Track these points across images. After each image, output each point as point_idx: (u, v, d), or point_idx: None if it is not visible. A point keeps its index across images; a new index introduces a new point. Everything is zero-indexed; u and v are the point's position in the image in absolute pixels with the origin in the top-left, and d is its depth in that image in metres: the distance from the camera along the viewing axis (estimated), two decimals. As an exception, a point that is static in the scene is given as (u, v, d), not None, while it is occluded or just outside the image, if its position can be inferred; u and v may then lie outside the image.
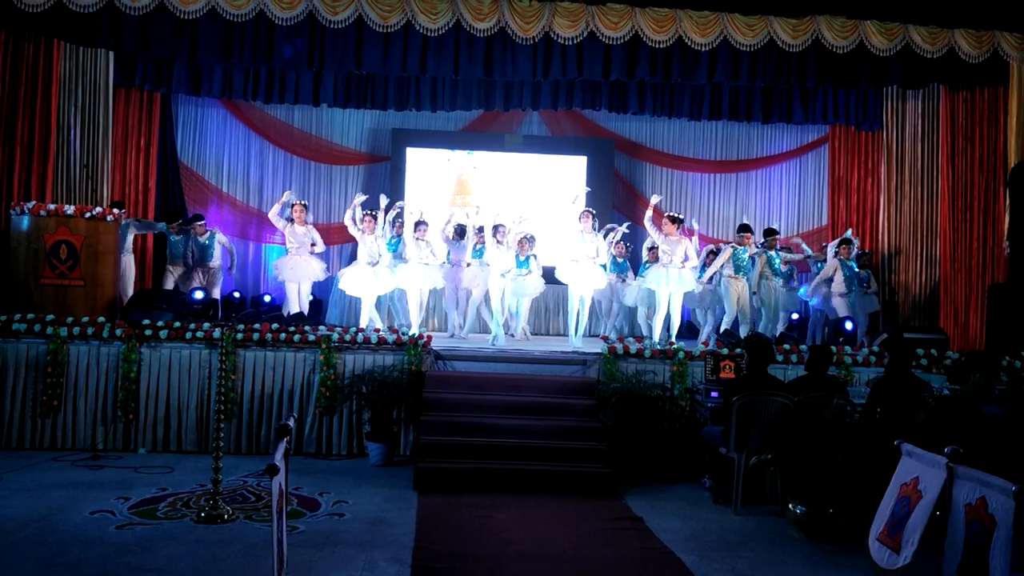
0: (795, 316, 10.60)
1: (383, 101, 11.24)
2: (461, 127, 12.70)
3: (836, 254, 10.14)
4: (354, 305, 10.02)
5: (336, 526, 5.51)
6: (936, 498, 3.90)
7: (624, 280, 10.46)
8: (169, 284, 10.28)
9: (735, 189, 13.09)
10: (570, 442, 7.03)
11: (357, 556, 4.88)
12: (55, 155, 9.21)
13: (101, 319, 7.78)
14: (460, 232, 9.74)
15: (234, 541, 5.07)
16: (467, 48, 9.25)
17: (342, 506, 5.96)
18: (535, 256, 9.72)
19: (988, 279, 9.83)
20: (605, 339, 9.00)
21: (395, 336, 8.01)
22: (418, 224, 9.47)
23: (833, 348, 7.97)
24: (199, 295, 9.48)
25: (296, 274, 9.53)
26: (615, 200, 12.59)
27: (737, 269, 9.46)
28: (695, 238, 9.99)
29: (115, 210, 8.70)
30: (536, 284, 9.77)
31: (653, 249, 9.94)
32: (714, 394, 7.03)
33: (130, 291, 9.69)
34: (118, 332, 7.61)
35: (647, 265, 9.90)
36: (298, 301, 9.48)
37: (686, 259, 9.05)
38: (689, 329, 10.86)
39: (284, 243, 9.94)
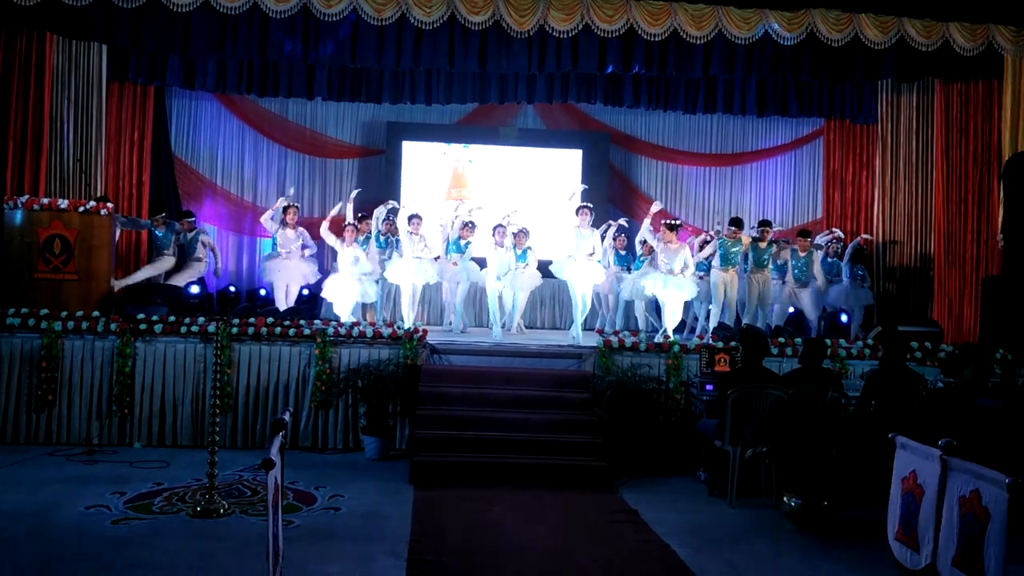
0: (791, 309, 10.61)
1: (377, 94, 11.21)
2: (456, 120, 12.67)
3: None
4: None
5: (332, 520, 5.51)
6: (936, 491, 3.91)
7: (628, 271, 10.39)
8: (158, 278, 10.18)
9: (730, 182, 13.08)
10: (566, 435, 7.04)
11: (353, 550, 4.89)
12: (48, 149, 9.18)
13: (95, 313, 7.76)
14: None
15: (230, 535, 5.07)
16: (462, 41, 9.24)
17: (338, 500, 5.96)
18: (531, 249, 9.72)
19: (982, 272, 9.86)
20: (600, 332, 9.00)
21: (391, 330, 8.01)
22: (411, 218, 9.46)
23: (828, 341, 7.98)
24: (195, 289, 9.45)
25: (285, 276, 9.50)
26: (610, 193, 12.58)
27: (725, 261, 9.44)
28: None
29: (108, 204, 8.66)
30: (533, 278, 9.77)
31: (646, 243, 9.94)
32: (709, 387, 7.04)
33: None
34: (113, 326, 7.59)
35: (642, 259, 9.89)
36: (285, 301, 9.44)
37: (685, 267, 8.99)
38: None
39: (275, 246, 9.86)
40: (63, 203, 8.28)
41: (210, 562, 4.65)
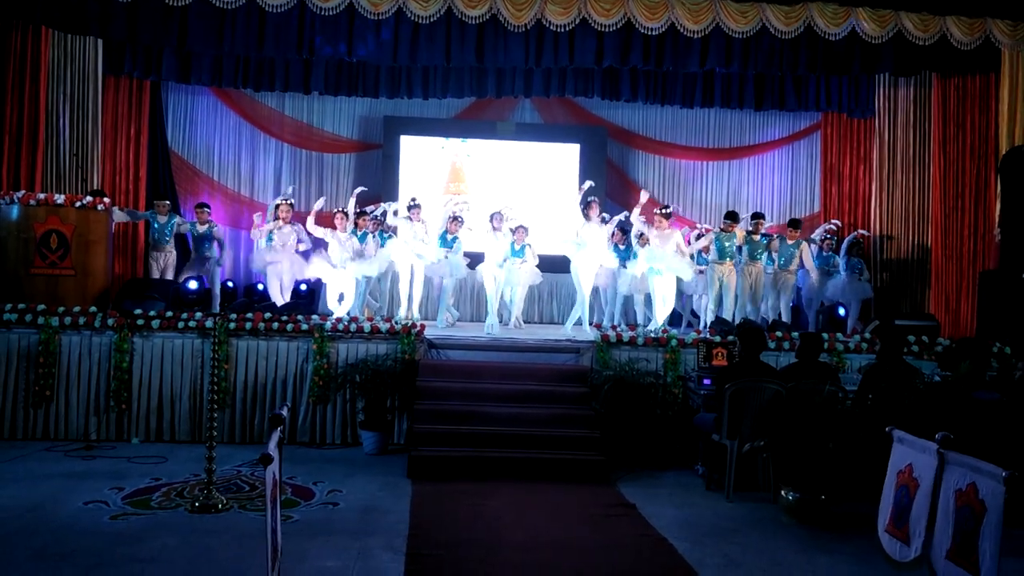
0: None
1: (374, 89, 11.20)
2: (453, 114, 12.64)
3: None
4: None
5: (330, 515, 5.52)
6: (932, 485, 3.92)
7: (624, 266, 10.40)
8: (154, 272, 10.17)
9: (727, 176, 13.08)
10: (563, 430, 7.05)
11: (351, 544, 4.89)
12: (44, 144, 9.16)
13: (93, 309, 7.75)
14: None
15: (228, 531, 5.07)
16: (459, 35, 9.22)
17: (336, 495, 5.97)
18: (530, 245, 9.72)
19: (979, 266, 9.87)
20: (598, 327, 9.01)
21: (388, 325, 8.00)
22: (411, 207, 9.47)
23: (825, 335, 8.00)
24: (193, 284, 9.43)
25: (278, 269, 9.48)
26: (608, 188, 12.56)
27: (721, 255, 9.46)
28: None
29: (105, 199, 8.65)
30: (532, 273, 9.77)
31: (643, 235, 9.94)
32: (707, 381, 7.05)
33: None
34: (110, 322, 7.58)
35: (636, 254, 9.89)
36: (280, 295, 9.43)
37: (679, 251, 9.01)
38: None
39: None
40: (59, 198, 8.27)
41: (209, 557, 4.65)
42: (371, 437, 7.36)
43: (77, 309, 7.67)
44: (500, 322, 9.53)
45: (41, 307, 7.61)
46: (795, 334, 8.17)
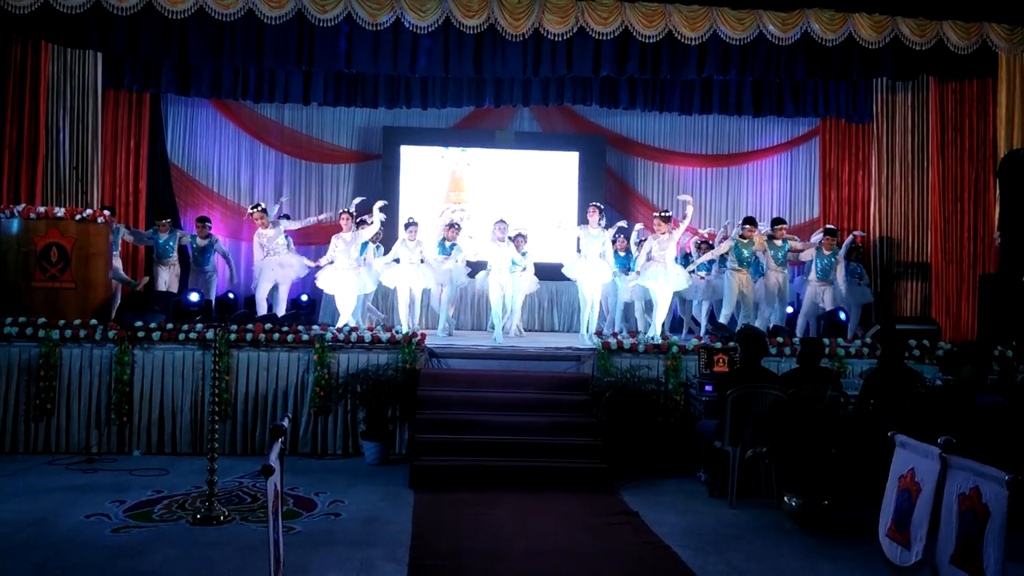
0: (789, 309, 10.61)
1: (373, 99, 11.22)
2: (452, 124, 12.67)
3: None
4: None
5: (332, 526, 5.51)
6: (934, 489, 3.91)
7: (627, 272, 10.38)
8: (160, 286, 10.22)
9: (726, 183, 13.09)
10: (565, 438, 7.04)
11: (354, 555, 4.88)
12: (44, 157, 9.18)
13: (93, 321, 7.75)
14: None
15: (230, 543, 5.06)
16: (457, 45, 9.26)
17: (338, 505, 5.95)
18: (526, 254, 9.73)
19: (979, 269, 9.87)
20: (599, 334, 9.00)
21: (389, 335, 8.00)
22: (408, 225, 9.45)
23: (826, 340, 7.99)
24: (194, 297, 9.45)
25: (276, 274, 9.47)
26: (607, 195, 12.57)
27: (740, 261, 9.44)
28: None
29: (106, 212, 8.67)
30: (531, 282, 9.77)
31: (642, 243, 9.95)
32: (708, 388, 7.04)
33: (118, 295, 9.62)
34: (110, 334, 7.58)
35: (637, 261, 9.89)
36: (265, 300, 9.42)
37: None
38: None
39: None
40: (60, 211, 8.27)
41: (211, 569, 4.64)
42: (372, 447, 7.35)
43: (78, 322, 7.68)
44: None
45: (42, 320, 7.62)
46: (796, 340, 8.16)
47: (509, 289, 9.42)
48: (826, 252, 9.80)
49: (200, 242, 10.47)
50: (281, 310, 9.52)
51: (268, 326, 7.88)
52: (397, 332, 8.13)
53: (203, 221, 10.66)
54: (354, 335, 7.92)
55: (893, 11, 9.44)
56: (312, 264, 9.84)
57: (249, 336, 7.73)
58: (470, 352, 8.35)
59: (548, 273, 10.13)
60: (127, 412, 7.51)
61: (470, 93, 11.16)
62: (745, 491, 6.21)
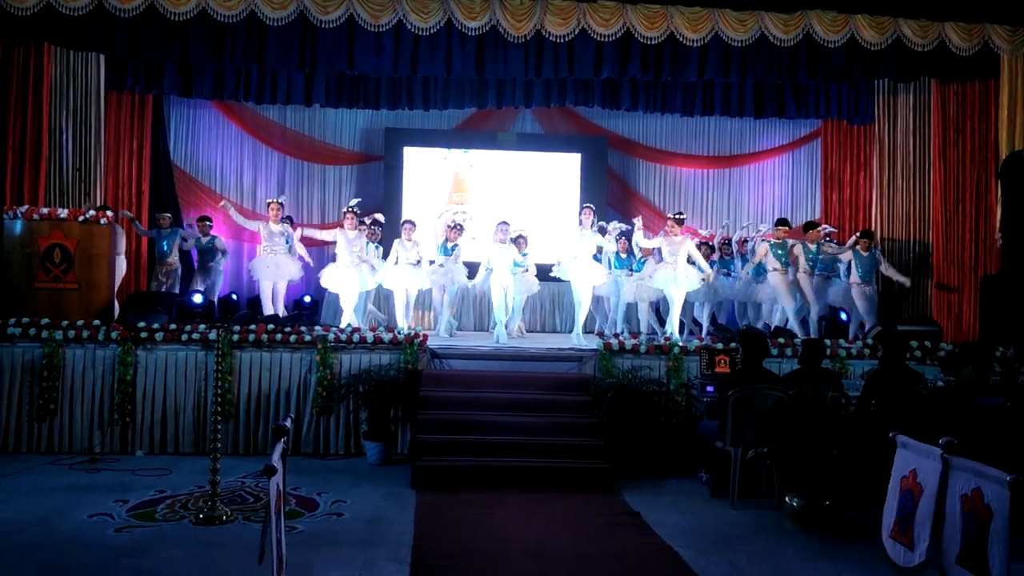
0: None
1: (375, 100, 11.22)
2: (454, 125, 12.69)
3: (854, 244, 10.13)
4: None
5: (335, 526, 5.52)
6: (936, 490, 3.92)
7: (630, 273, 10.36)
8: (162, 286, 10.22)
9: (728, 184, 13.10)
10: (567, 438, 7.05)
11: (356, 555, 4.89)
12: (47, 159, 9.20)
13: (96, 322, 7.76)
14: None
15: (232, 542, 5.07)
16: (459, 47, 9.27)
17: (340, 505, 5.96)
18: (526, 255, 9.74)
19: (981, 271, 9.87)
20: (601, 335, 9.01)
21: (391, 335, 8.01)
22: (404, 224, 9.45)
23: (827, 341, 8.00)
24: (198, 298, 9.46)
25: (271, 273, 9.46)
26: (609, 197, 12.59)
27: (781, 262, 9.43)
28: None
29: (108, 212, 8.69)
30: (531, 283, 9.78)
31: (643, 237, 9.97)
32: (710, 388, 7.06)
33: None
34: (113, 335, 7.60)
35: (642, 261, 9.89)
36: (271, 302, 9.42)
37: (691, 260, 8.97)
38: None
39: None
40: (63, 213, 8.30)
41: (213, 569, 4.66)
42: (375, 447, 7.36)
43: (81, 323, 7.69)
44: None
45: (45, 321, 7.64)
46: (797, 340, 8.17)
47: (510, 290, 9.42)
48: (864, 253, 9.79)
49: (203, 240, 10.50)
50: (280, 309, 9.51)
51: (271, 327, 7.89)
52: (399, 333, 8.14)
53: (204, 219, 10.70)
54: (356, 336, 7.94)
55: (895, 12, 9.44)
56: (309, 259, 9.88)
57: (252, 336, 7.75)
58: (472, 353, 8.36)
59: (550, 274, 10.14)
60: (130, 412, 7.53)
61: (472, 94, 11.17)
62: (746, 491, 6.22)
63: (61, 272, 8.20)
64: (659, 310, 10.22)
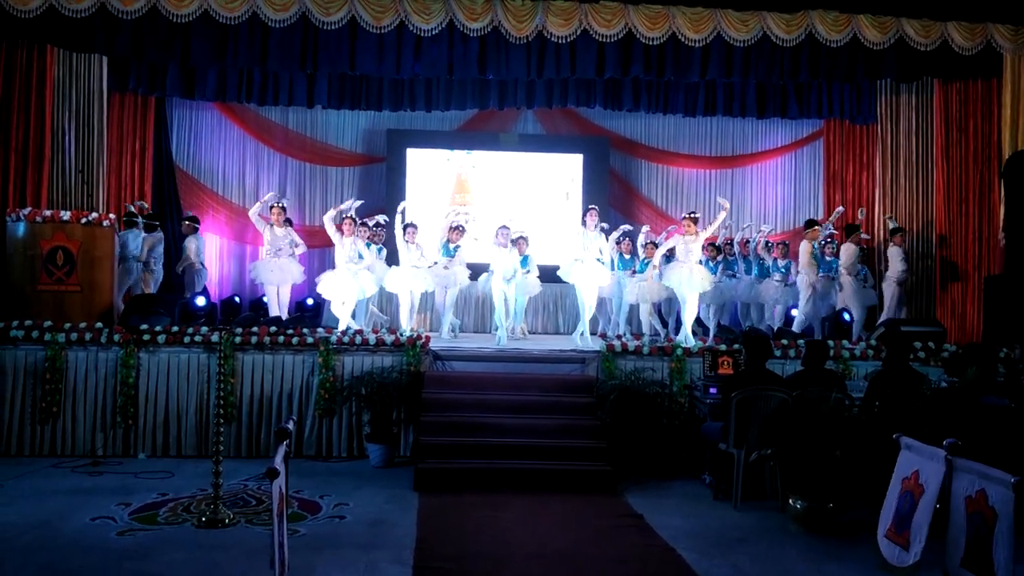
0: (794, 312, 10.59)
1: (377, 102, 11.21)
2: (456, 127, 12.67)
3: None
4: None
5: (337, 528, 5.51)
6: (938, 491, 3.91)
7: (633, 274, 10.32)
8: (150, 288, 10.13)
9: (731, 184, 13.05)
10: (570, 440, 7.04)
11: (359, 558, 4.88)
12: (50, 161, 9.20)
13: (99, 325, 7.77)
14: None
15: (235, 545, 5.07)
16: (461, 48, 9.27)
17: (343, 508, 5.96)
18: (529, 256, 9.72)
19: (984, 271, 9.85)
20: (604, 337, 8.99)
21: (393, 337, 8.01)
22: (407, 227, 9.44)
23: (830, 342, 7.98)
24: (201, 301, 9.46)
25: (275, 277, 9.44)
26: (611, 198, 12.57)
27: (818, 262, 9.47)
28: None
29: (110, 215, 8.69)
30: (533, 284, 9.77)
31: (647, 245, 9.94)
32: (713, 390, 7.04)
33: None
34: (116, 337, 7.60)
35: (645, 262, 9.87)
36: (278, 305, 9.42)
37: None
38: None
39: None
40: (65, 215, 8.31)
41: (216, 572, 4.65)
42: (377, 450, 7.36)
43: (83, 325, 7.70)
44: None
45: (47, 323, 7.64)
46: (801, 342, 8.15)
47: (512, 292, 9.42)
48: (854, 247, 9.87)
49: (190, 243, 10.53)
50: (284, 312, 9.50)
51: (273, 329, 7.89)
52: (401, 335, 8.14)
53: (190, 220, 10.78)
54: (359, 338, 7.93)
55: (897, 12, 9.43)
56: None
57: (254, 339, 7.75)
58: (474, 355, 8.35)
59: (553, 276, 10.13)
60: (132, 415, 7.53)
61: (474, 95, 11.16)
62: (750, 493, 6.21)
63: (64, 274, 8.20)
64: (660, 312, 10.20)
